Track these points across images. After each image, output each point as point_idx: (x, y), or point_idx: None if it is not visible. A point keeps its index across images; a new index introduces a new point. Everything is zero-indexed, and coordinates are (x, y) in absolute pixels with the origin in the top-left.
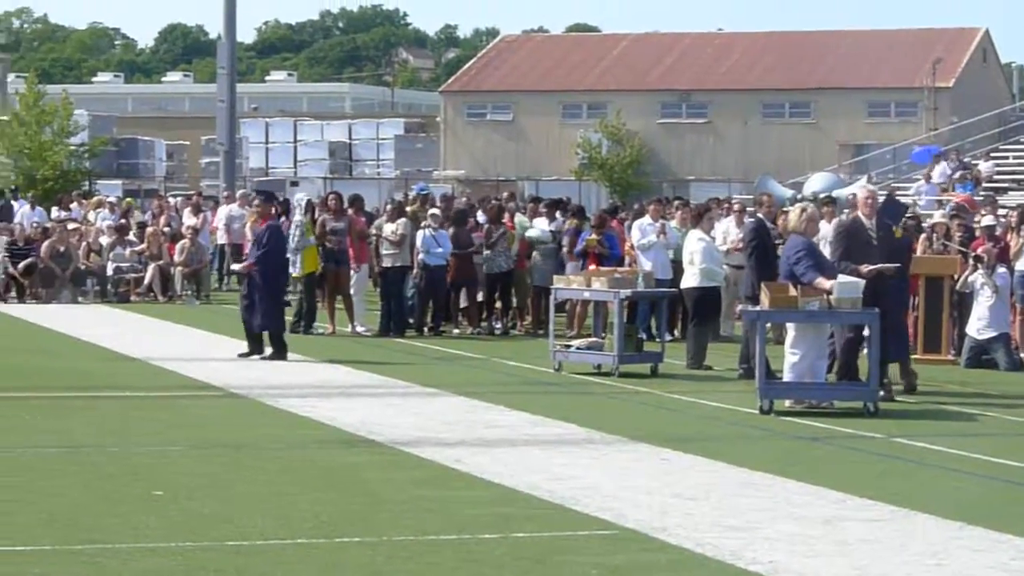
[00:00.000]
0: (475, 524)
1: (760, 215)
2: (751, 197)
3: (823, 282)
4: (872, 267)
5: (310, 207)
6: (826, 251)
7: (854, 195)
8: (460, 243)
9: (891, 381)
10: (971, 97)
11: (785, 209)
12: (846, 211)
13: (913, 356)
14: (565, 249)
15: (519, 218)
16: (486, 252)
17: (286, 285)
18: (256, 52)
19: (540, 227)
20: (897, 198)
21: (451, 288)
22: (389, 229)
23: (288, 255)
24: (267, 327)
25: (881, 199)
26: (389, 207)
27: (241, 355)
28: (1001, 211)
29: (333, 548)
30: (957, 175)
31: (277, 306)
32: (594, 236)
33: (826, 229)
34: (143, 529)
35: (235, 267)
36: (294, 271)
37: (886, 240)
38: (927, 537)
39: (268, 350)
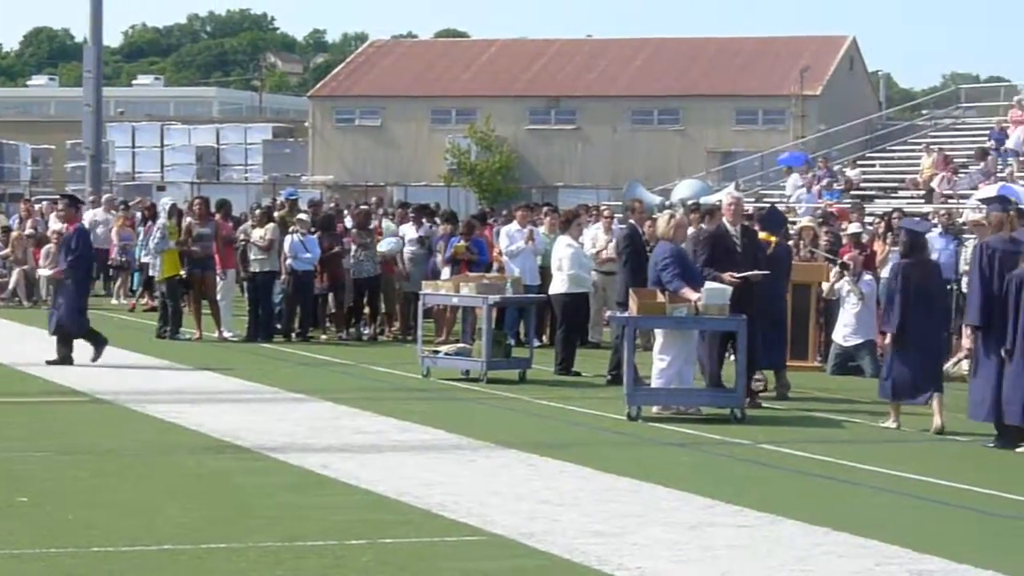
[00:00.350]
0: (342, 530)
1: (632, 222)
2: (620, 203)
3: (688, 292)
4: (736, 275)
5: (174, 211)
6: None
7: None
8: (328, 248)
9: (766, 387)
10: (838, 105)
11: (654, 216)
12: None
13: (798, 363)
14: (439, 256)
15: (386, 224)
16: (353, 257)
17: (90, 289)
18: (123, 56)
19: (388, 241)
20: (777, 207)
21: (319, 293)
22: (257, 234)
23: (148, 258)
24: (65, 329)
25: (766, 207)
26: (258, 212)
27: (49, 362)
28: (867, 218)
29: (199, 554)
30: (824, 182)
31: (79, 310)
32: (462, 243)
33: None
34: (6, 535)
35: (43, 272)
36: (155, 274)
37: (750, 247)
38: (793, 543)
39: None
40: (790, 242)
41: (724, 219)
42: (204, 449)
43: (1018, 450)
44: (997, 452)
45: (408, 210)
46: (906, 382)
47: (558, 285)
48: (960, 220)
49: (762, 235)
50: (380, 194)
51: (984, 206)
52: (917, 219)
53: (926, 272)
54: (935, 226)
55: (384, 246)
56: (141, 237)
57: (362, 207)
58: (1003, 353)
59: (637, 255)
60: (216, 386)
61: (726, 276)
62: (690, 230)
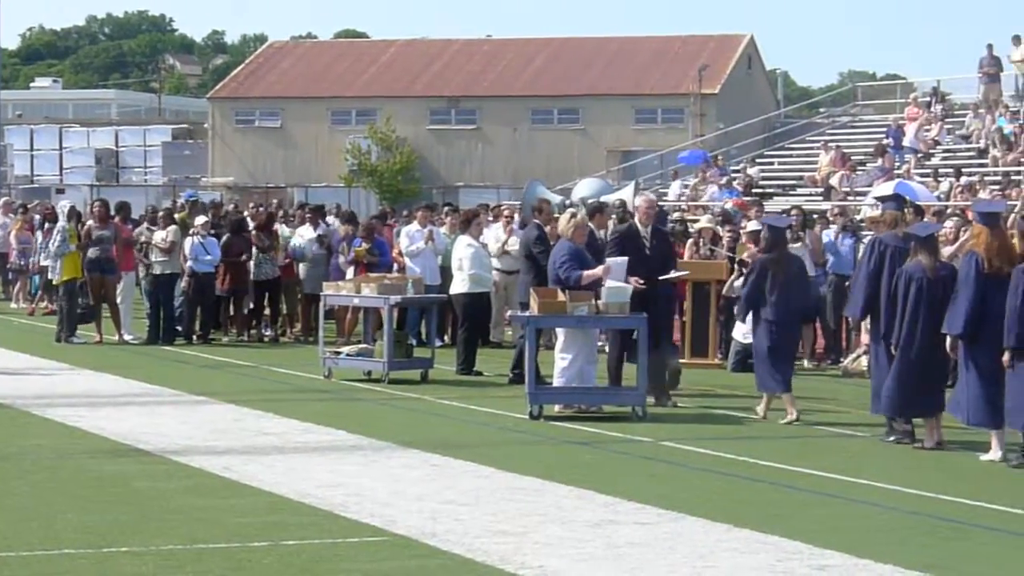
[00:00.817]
0: (244, 532)
1: (537, 222)
2: (519, 203)
3: (590, 274)
4: (640, 279)
5: (74, 213)
6: None
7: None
8: (234, 251)
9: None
10: (737, 103)
11: (556, 216)
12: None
13: (681, 360)
14: (340, 256)
15: (281, 228)
16: (254, 260)
17: None
18: (20, 58)
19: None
20: (662, 207)
21: (220, 296)
22: (159, 236)
23: (48, 262)
24: None
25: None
26: (160, 214)
27: None
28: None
29: (101, 558)
30: (723, 180)
31: None
32: (364, 246)
33: None
34: None
35: None
36: (55, 277)
37: (660, 248)
38: (695, 539)
39: None
40: (689, 240)
41: (637, 220)
42: (104, 453)
43: (916, 445)
44: (894, 447)
45: (304, 211)
46: (767, 373)
47: (458, 285)
48: (858, 217)
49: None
50: (281, 195)
51: (880, 204)
52: (777, 215)
53: (787, 266)
54: (793, 221)
55: (297, 240)
56: (40, 241)
57: (264, 209)
58: (892, 349)
59: (543, 256)
60: (117, 389)
61: (632, 280)
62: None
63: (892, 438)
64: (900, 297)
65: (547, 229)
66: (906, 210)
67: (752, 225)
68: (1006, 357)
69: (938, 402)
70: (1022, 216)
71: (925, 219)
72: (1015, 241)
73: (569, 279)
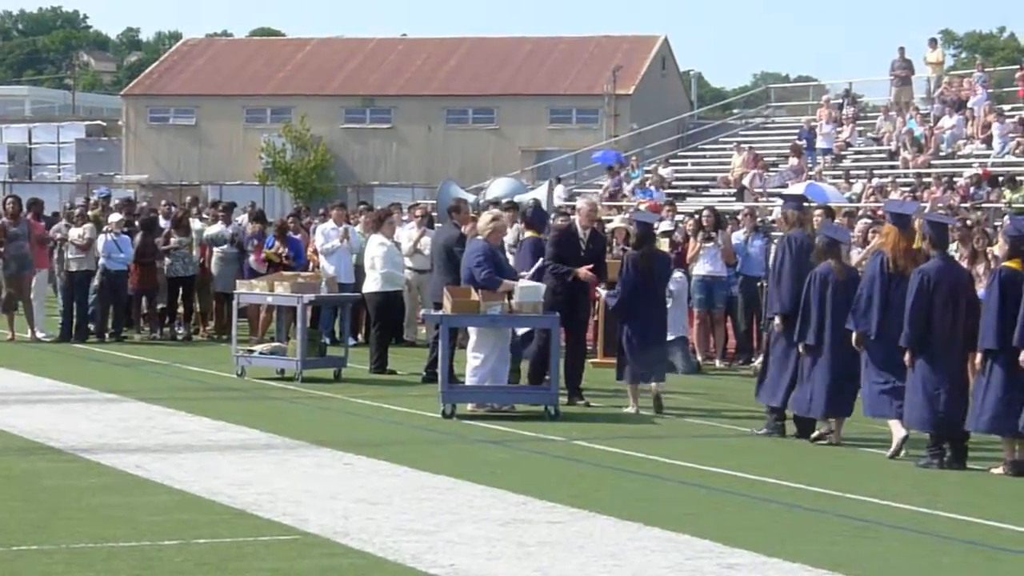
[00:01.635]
0: (155, 531)
1: (455, 222)
2: (434, 202)
3: (508, 283)
4: (584, 269)
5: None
6: None
7: (533, 200)
8: (147, 250)
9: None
10: (651, 104)
11: (474, 215)
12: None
13: (593, 360)
14: (251, 256)
15: (194, 223)
16: (167, 258)
17: None
18: None
19: (217, 228)
20: (541, 205)
21: (134, 294)
22: (76, 233)
23: None
24: None
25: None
26: (77, 211)
27: None
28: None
29: (10, 556)
30: (637, 180)
31: None
32: (277, 247)
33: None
34: None
35: None
36: None
37: (595, 252)
38: (606, 538)
39: None
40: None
41: (576, 221)
42: (14, 450)
43: (820, 442)
44: (802, 445)
45: (217, 209)
46: (637, 366)
47: (371, 284)
48: (769, 218)
49: (528, 232)
50: (195, 193)
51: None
52: (647, 212)
53: (653, 261)
54: (662, 218)
55: (213, 230)
56: None
57: (177, 207)
58: (801, 348)
59: (456, 255)
60: (28, 386)
61: (581, 270)
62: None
63: (764, 431)
64: (815, 297)
65: (464, 229)
66: (806, 210)
67: (665, 225)
68: (907, 357)
69: (850, 403)
70: (927, 219)
71: (836, 221)
72: (918, 243)
73: (488, 283)
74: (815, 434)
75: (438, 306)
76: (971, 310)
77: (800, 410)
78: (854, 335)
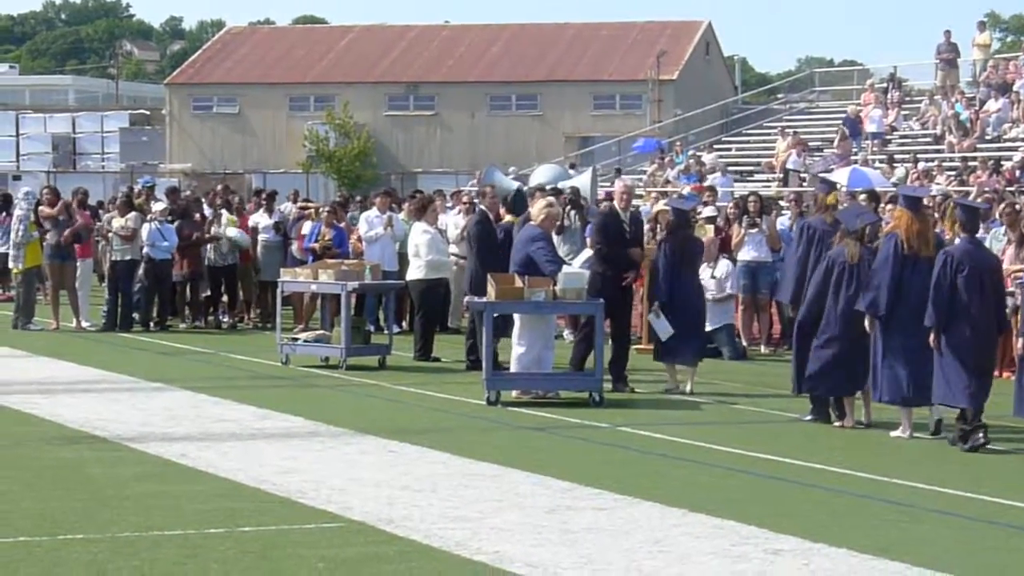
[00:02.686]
0: (200, 519)
1: (483, 207)
2: (476, 189)
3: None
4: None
5: (36, 201)
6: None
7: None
8: (186, 236)
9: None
10: (694, 89)
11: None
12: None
13: (638, 347)
14: (294, 243)
15: (225, 216)
16: (211, 246)
17: None
18: None
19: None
20: (523, 190)
21: (177, 282)
22: (119, 223)
23: (10, 250)
24: None
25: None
26: (119, 201)
27: None
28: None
29: (56, 545)
30: (681, 166)
31: None
32: (324, 234)
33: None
34: None
35: None
36: (17, 266)
37: (636, 234)
38: (651, 524)
39: None
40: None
41: (615, 204)
42: (60, 439)
43: (836, 424)
44: (845, 432)
45: (260, 197)
46: (673, 344)
47: (415, 271)
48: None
49: (508, 218)
50: (238, 182)
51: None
52: (681, 197)
53: (689, 245)
54: (706, 202)
55: (232, 232)
56: None
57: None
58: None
59: (487, 241)
60: (73, 376)
61: (635, 251)
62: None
63: (809, 417)
64: (833, 282)
65: (492, 214)
66: (835, 194)
67: (708, 211)
68: (931, 338)
69: (859, 383)
70: (958, 204)
71: (881, 206)
72: (945, 226)
73: (547, 267)
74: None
75: (473, 291)
76: (997, 293)
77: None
78: (866, 318)
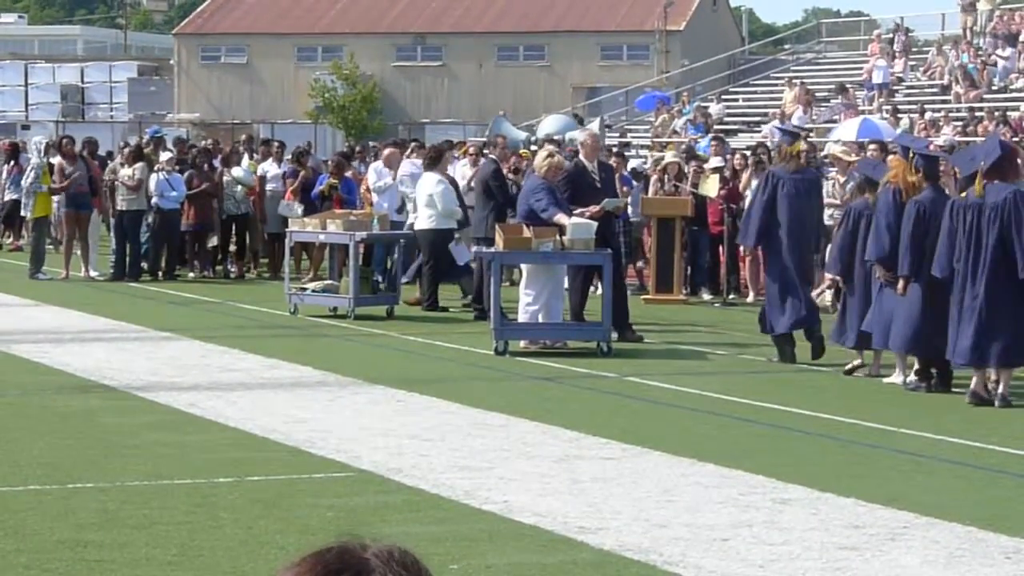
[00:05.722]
0: (209, 468)
1: (493, 157)
2: (485, 139)
3: (563, 217)
4: (596, 208)
5: (47, 150)
6: None
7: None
8: (195, 187)
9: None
10: (702, 40)
11: (520, 152)
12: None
13: (646, 296)
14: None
15: (246, 161)
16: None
17: None
18: None
19: (242, 169)
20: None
21: (190, 229)
22: (126, 173)
23: (21, 197)
24: None
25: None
26: (127, 151)
27: None
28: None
29: (66, 494)
30: (689, 116)
31: None
32: (332, 180)
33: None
34: None
35: None
36: (27, 213)
37: (608, 181)
38: (659, 473)
39: None
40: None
41: (582, 156)
42: (70, 389)
43: (856, 375)
44: (854, 381)
45: (269, 147)
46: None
47: (424, 221)
48: (821, 154)
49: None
50: (247, 132)
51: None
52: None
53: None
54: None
55: (238, 172)
56: (3, 177)
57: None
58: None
59: (500, 190)
60: (82, 325)
61: (589, 210)
62: None
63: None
64: (848, 233)
65: (503, 164)
66: (798, 144)
67: (715, 161)
68: (900, 284)
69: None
70: (917, 153)
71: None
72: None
73: (544, 213)
74: (848, 366)
75: (479, 240)
76: None
77: (832, 339)
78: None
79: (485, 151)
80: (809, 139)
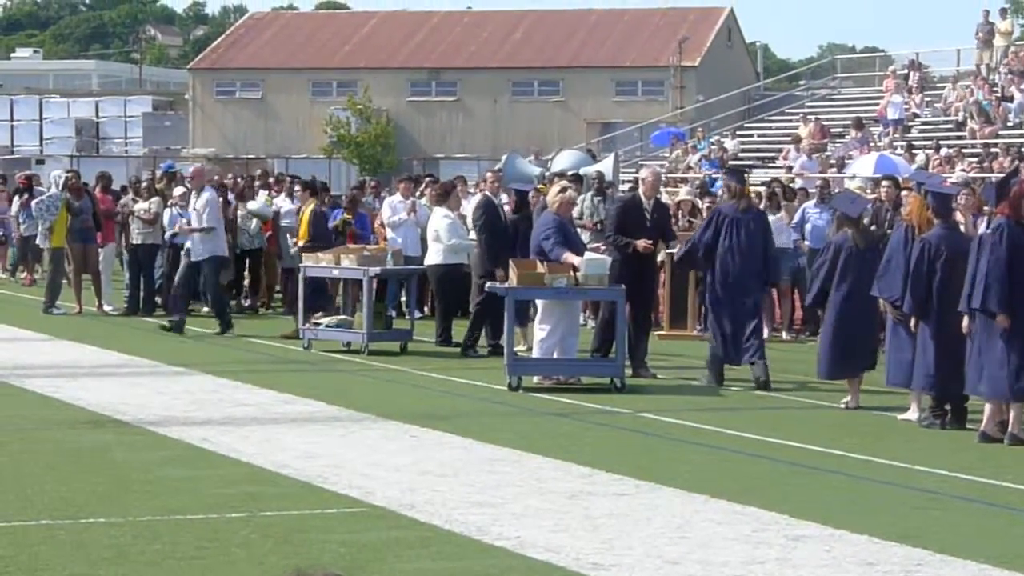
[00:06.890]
0: (221, 503)
1: (487, 192)
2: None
3: (571, 257)
4: (644, 241)
5: (67, 184)
6: None
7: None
8: None
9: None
10: (717, 76)
11: (510, 186)
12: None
13: (660, 332)
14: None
15: (263, 195)
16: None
17: None
18: (1, 29)
19: (258, 203)
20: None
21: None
22: (141, 207)
23: (30, 231)
24: None
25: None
26: (143, 185)
27: None
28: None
29: (78, 528)
30: (703, 151)
31: None
32: (346, 215)
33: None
34: None
35: None
36: (45, 244)
37: (660, 221)
38: (672, 511)
39: None
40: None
41: (640, 192)
42: (83, 423)
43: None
44: (868, 418)
45: (283, 184)
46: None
47: (434, 256)
48: (835, 190)
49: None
50: (261, 167)
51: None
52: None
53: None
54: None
55: (254, 205)
56: (16, 210)
57: (240, 180)
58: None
59: (492, 226)
60: (95, 360)
61: (639, 242)
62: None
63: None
64: (830, 266)
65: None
66: (741, 187)
67: None
68: (912, 323)
69: (865, 364)
70: (930, 190)
71: (903, 193)
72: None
73: (552, 253)
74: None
75: (481, 276)
76: None
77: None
78: (884, 303)
79: (480, 186)
80: (823, 175)
